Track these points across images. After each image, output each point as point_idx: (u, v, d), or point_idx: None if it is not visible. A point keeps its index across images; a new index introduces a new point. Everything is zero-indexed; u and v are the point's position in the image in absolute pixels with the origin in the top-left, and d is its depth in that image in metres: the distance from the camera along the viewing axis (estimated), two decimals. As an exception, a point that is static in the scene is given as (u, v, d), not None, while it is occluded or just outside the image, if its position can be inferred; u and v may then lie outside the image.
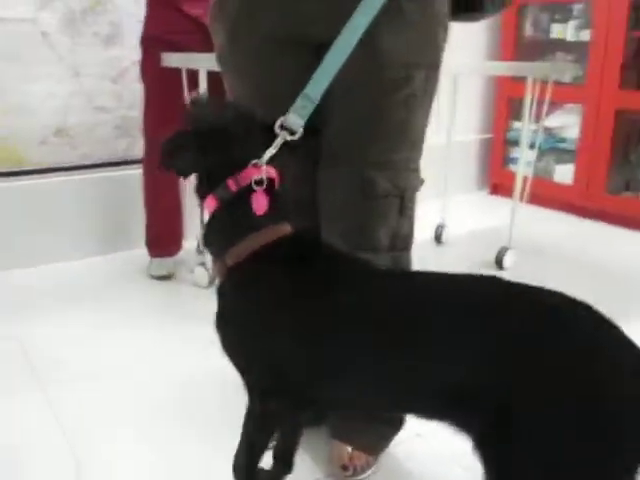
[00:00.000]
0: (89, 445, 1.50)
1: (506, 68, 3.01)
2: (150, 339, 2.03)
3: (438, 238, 3.05)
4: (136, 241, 2.68)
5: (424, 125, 1.24)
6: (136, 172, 2.58)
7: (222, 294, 1.04)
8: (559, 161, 3.67)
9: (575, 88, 3.34)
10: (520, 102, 2.79)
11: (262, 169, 0.99)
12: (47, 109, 2.58)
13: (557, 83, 2.51)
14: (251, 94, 1.23)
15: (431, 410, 0.89)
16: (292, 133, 1.02)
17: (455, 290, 0.88)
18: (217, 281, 1.06)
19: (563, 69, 2.52)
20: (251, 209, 0.98)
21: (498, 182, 3.97)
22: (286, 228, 1.01)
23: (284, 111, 1.05)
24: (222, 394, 1.69)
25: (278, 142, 1.02)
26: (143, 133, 2.48)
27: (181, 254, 2.66)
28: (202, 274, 2.44)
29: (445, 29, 1.21)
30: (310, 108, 1.02)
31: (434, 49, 1.19)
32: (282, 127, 1.03)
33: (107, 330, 2.09)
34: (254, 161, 1.00)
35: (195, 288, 2.44)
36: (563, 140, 3.65)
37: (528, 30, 3.76)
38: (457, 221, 3.16)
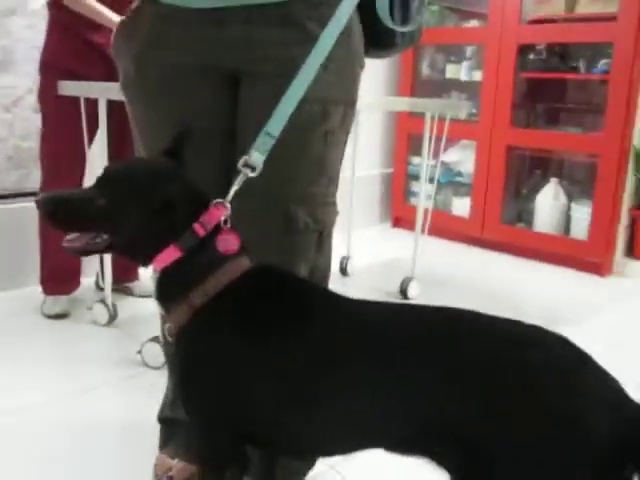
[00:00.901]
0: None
1: (407, 104, 3.13)
2: (42, 382, 1.90)
3: (343, 270, 3.08)
4: (30, 278, 2.53)
5: (340, 160, 1.25)
6: (30, 205, 2.43)
7: (187, 338, 0.97)
8: (456, 194, 3.83)
9: (469, 125, 3.50)
10: (418, 138, 2.89)
11: (225, 207, 0.97)
12: None
13: (452, 120, 2.63)
14: (160, 123, 1.19)
15: (402, 445, 0.86)
16: (253, 169, 1.01)
17: (425, 323, 0.87)
18: (172, 331, 0.98)
19: (459, 107, 2.65)
20: (214, 249, 0.95)
21: (400, 215, 4.08)
22: (246, 262, 0.98)
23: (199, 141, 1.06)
24: (116, 440, 1.60)
25: (240, 179, 1.00)
26: (40, 163, 2.36)
27: (79, 291, 2.53)
28: (101, 311, 2.33)
29: (361, 66, 1.22)
30: (270, 144, 1.01)
31: (352, 86, 1.20)
32: (245, 165, 1.00)
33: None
34: (216, 200, 0.97)
35: (94, 327, 2.31)
36: (460, 174, 3.81)
37: (425, 70, 3.94)
38: (361, 253, 3.20)
